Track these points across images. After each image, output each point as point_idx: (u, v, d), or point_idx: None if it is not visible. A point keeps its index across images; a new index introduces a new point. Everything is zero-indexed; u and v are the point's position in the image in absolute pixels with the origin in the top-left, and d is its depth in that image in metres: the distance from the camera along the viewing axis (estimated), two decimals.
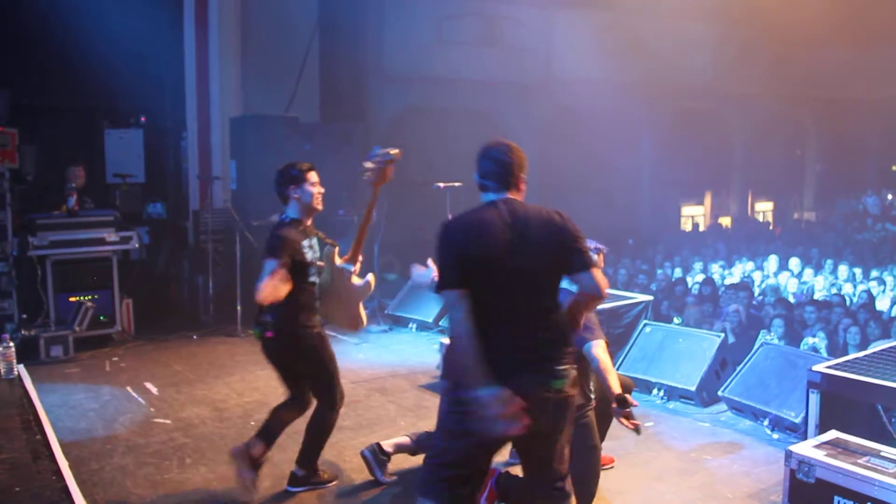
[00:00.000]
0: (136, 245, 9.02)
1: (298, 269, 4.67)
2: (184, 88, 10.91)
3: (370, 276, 5.14)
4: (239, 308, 9.20)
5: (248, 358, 8.17)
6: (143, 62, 10.28)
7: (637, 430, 3.89)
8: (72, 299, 8.42)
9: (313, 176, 4.85)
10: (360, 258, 5.07)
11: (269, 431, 4.87)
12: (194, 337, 9.09)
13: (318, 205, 4.86)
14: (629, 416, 3.93)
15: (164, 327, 9.35)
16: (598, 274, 3.38)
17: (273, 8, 11.62)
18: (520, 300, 3.30)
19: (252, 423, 6.14)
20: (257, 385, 7.21)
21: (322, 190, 4.89)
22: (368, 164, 4.68)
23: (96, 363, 7.94)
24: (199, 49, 10.91)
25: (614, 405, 3.97)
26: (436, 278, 5.14)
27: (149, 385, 7.18)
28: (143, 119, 11.11)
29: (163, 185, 11.29)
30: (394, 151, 4.69)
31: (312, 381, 4.90)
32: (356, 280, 5.03)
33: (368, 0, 12.46)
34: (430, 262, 5.31)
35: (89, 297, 8.45)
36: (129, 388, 7.06)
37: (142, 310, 9.31)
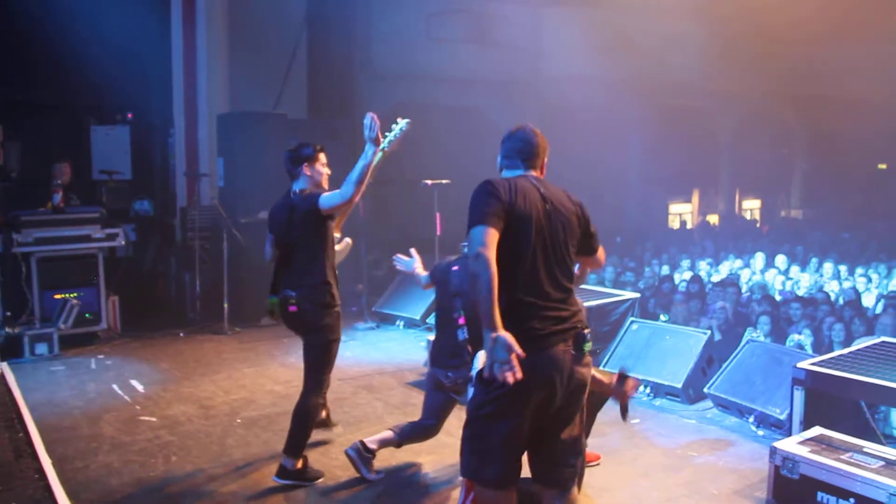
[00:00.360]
0: (123, 242, 8.97)
1: (328, 238, 4.92)
2: (171, 85, 10.86)
3: (347, 239, 5.50)
4: (226, 306, 9.17)
5: (234, 356, 8.15)
6: (131, 58, 10.22)
7: (626, 409, 3.98)
8: (57, 297, 8.35)
9: (323, 157, 5.03)
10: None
11: None
12: (181, 334, 9.05)
13: (326, 184, 5.01)
14: (630, 391, 4.09)
15: (151, 325, 9.31)
16: (601, 252, 3.76)
17: (261, 4, 11.58)
18: (552, 265, 3.41)
19: (238, 421, 6.13)
20: (244, 383, 7.19)
21: (329, 171, 5.08)
22: (392, 138, 5.08)
23: (82, 361, 7.90)
24: (186, 45, 10.86)
25: (614, 381, 4.03)
26: (418, 270, 5.16)
27: (135, 383, 7.15)
28: (129, 115, 11.06)
29: (150, 182, 11.23)
30: (407, 121, 5.16)
31: (312, 359, 4.97)
32: (338, 246, 5.30)
33: None
34: (412, 251, 5.37)
35: (75, 294, 8.40)
36: (114, 386, 7.02)
37: (128, 307, 9.26)
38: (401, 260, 5.53)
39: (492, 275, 3.09)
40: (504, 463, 3.32)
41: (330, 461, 5.34)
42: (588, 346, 3.39)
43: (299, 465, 4.96)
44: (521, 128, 3.68)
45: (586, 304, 7.19)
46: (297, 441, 4.93)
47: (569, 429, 3.43)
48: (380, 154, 4.82)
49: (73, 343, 8.32)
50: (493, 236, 3.20)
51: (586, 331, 3.41)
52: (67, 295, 8.36)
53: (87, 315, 8.51)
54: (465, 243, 3.38)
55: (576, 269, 3.62)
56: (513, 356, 3.01)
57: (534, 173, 3.61)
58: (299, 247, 4.90)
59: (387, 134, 5.02)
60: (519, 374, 3.02)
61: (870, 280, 10.45)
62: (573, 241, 3.53)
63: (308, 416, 4.94)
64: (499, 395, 3.21)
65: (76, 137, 10.66)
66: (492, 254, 3.15)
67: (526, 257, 3.34)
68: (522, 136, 3.65)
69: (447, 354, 4.95)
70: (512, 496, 3.41)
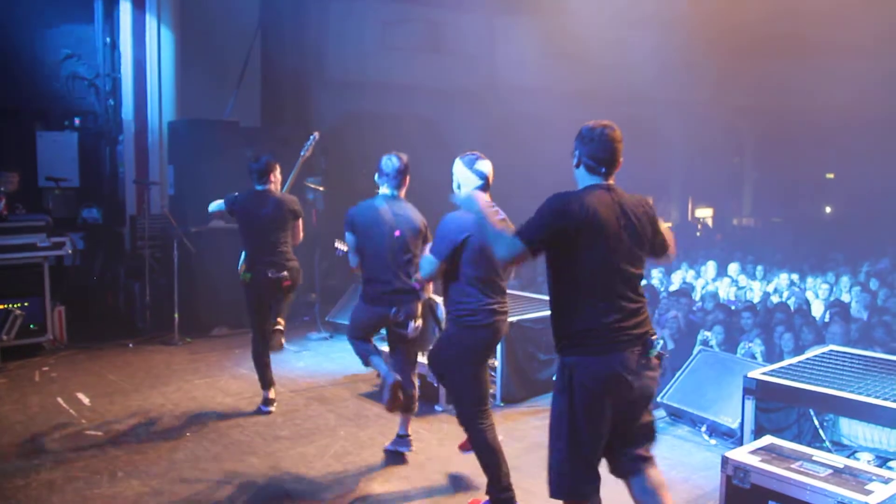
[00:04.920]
0: (70, 251, 8.77)
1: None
2: (121, 91, 10.67)
3: None
4: (176, 316, 9.01)
5: (185, 367, 8.00)
6: (78, 63, 10.02)
7: None
8: None
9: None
10: None
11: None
12: (130, 345, 8.86)
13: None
14: None
15: (99, 335, 9.09)
16: (672, 250, 3.86)
17: (213, 10, 11.41)
18: (622, 282, 3.52)
19: (188, 434, 6.01)
20: (194, 395, 7.06)
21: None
22: (307, 153, 6.91)
23: (25, 373, 7.67)
24: (136, 51, 10.68)
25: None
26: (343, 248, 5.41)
27: (81, 396, 6.97)
28: (77, 122, 10.82)
29: (98, 189, 11.00)
30: (316, 133, 7.04)
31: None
32: None
33: (311, 4, 12.31)
34: (337, 243, 5.78)
35: (18, 304, 8.16)
36: (59, 399, 6.83)
37: (75, 317, 9.05)
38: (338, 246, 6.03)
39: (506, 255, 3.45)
40: (593, 474, 3.61)
41: (280, 474, 5.25)
42: (654, 352, 3.56)
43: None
44: (605, 127, 3.62)
45: (534, 315, 7.20)
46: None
47: (642, 417, 3.67)
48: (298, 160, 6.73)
49: (16, 355, 8.08)
50: (523, 256, 3.43)
51: (654, 337, 3.58)
52: (10, 305, 8.11)
53: (31, 326, 8.28)
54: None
55: None
56: None
57: (611, 181, 3.63)
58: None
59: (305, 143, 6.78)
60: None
61: (818, 290, 10.61)
62: (647, 247, 3.66)
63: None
64: (577, 402, 3.47)
65: (21, 144, 10.36)
66: (519, 260, 3.47)
67: (600, 272, 3.47)
68: (608, 141, 3.60)
69: (390, 293, 5.21)
70: None
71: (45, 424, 6.20)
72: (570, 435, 3.52)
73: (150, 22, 10.71)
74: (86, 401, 6.84)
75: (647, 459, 3.71)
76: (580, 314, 3.49)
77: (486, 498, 4.58)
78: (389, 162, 5.26)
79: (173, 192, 10.06)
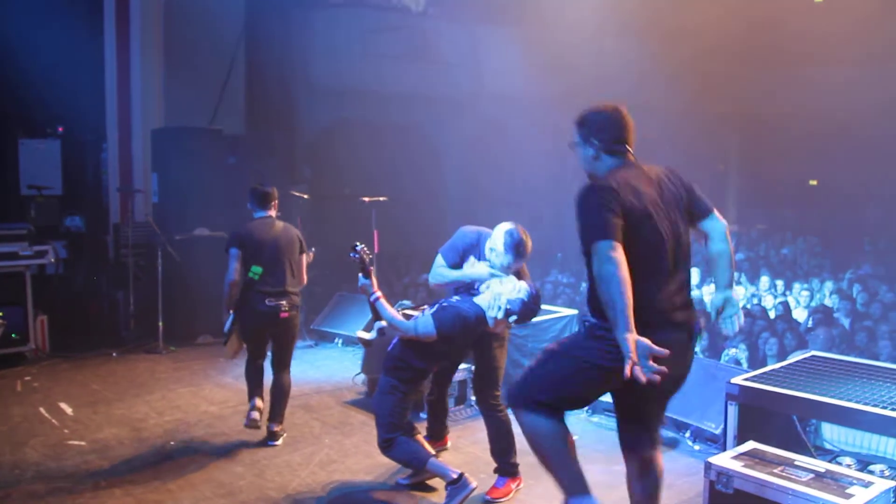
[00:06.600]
0: (53, 259, 8.74)
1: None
2: (104, 98, 10.64)
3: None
4: (161, 324, 8.98)
5: (169, 375, 7.97)
6: (61, 70, 9.96)
7: None
8: None
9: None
10: None
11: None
12: (114, 354, 8.81)
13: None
14: None
15: (82, 345, 9.02)
16: (718, 212, 3.70)
17: (197, 18, 11.39)
18: (669, 257, 3.44)
19: (172, 444, 5.98)
20: (178, 403, 7.02)
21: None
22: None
23: (6, 383, 7.61)
24: (120, 58, 10.67)
25: None
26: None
27: (63, 405, 6.93)
28: (60, 129, 10.78)
29: (82, 197, 10.96)
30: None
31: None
32: None
33: (295, 11, 12.34)
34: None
35: (0, 313, 8.11)
36: (41, 409, 6.79)
37: (58, 327, 8.99)
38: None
39: (623, 277, 3.17)
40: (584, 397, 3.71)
41: (264, 482, 5.23)
42: (697, 342, 3.57)
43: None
44: (614, 108, 3.61)
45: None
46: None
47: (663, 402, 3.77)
48: None
49: None
50: (619, 249, 3.23)
51: (700, 325, 3.56)
52: None
53: (13, 335, 8.23)
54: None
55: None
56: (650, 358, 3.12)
57: (632, 157, 3.59)
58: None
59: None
60: (663, 372, 3.13)
61: (799, 297, 10.67)
62: (685, 217, 3.57)
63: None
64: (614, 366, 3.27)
65: (3, 151, 10.34)
66: (622, 257, 3.21)
67: (649, 253, 3.38)
68: (622, 118, 3.58)
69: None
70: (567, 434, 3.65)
71: (28, 435, 6.15)
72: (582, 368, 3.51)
73: (134, 29, 10.68)
74: (69, 411, 6.80)
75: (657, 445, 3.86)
76: (633, 294, 3.28)
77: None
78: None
79: (157, 200, 10.04)
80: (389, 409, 4.73)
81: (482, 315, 4.64)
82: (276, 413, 6.06)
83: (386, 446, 4.77)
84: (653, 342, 3.16)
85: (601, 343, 3.39)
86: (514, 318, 4.59)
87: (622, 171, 3.48)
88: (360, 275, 4.76)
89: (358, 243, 4.86)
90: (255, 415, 6.29)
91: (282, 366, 6.16)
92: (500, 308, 4.57)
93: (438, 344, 4.63)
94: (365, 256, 4.81)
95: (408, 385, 4.75)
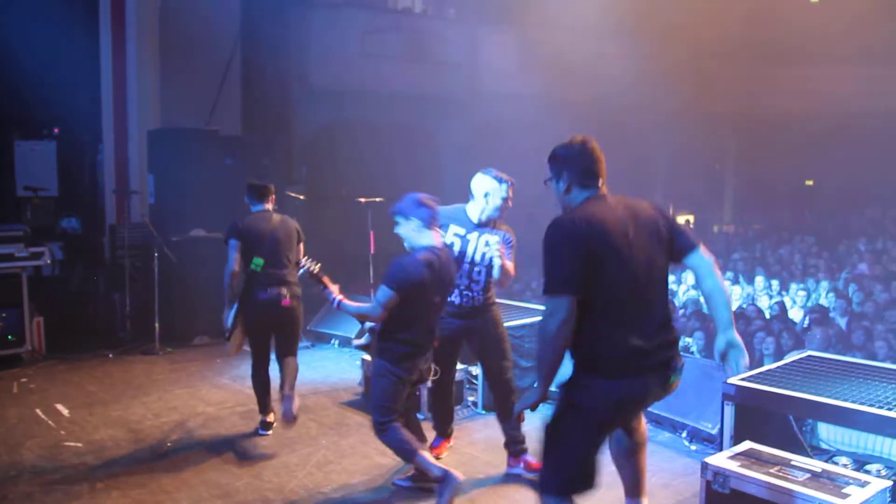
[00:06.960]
0: (49, 261, 8.71)
1: None
2: (100, 99, 10.63)
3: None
4: (157, 325, 8.95)
5: (165, 377, 7.95)
6: (57, 72, 9.97)
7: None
8: None
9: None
10: None
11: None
12: (110, 356, 8.79)
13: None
14: None
15: (78, 346, 8.99)
16: (704, 247, 3.60)
17: (193, 19, 11.41)
18: (641, 295, 3.41)
19: (169, 445, 5.97)
20: (175, 405, 7.01)
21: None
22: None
23: (3, 385, 7.59)
24: (115, 60, 10.66)
25: None
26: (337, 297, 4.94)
27: (60, 407, 6.91)
28: (56, 130, 10.77)
29: (78, 199, 10.95)
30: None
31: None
32: None
33: (292, 12, 12.34)
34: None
35: None
36: (38, 411, 6.78)
37: (54, 328, 8.96)
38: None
39: (562, 343, 3.29)
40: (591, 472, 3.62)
41: (262, 483, 5.23)
42: (675, 379, 3.55)
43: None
44: (582, 142, 3.57)
45: (516, 322, 7.21)
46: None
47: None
48: None
49: None
50: (573, 306, 3.25)
51: (680, 363, 3.57)
52: None
53: (9, 337, 8.21)
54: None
55: None
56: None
57: (604, 190, 3.55)
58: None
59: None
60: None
61: (795, 297, 10.69)
62: (664, 254, 3.52)
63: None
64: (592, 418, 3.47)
65: None
66: (571, 317, 3.25)
67: (618, 292, 3.35)
68: (592, 152, 3.54)
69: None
70: None
71: (24, 436, 6.14)
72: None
73: (130, 30, 10.67)
74: (65, 412, 6.78)
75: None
76: (602, 339, 3.38)
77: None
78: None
79: (153, 201, 10.02)
80: (382, 393, 4.77)
81: (429, 251, 4.71)
82: (288, 386, 6.06)
83: (380, 430, 4.78)
84: (625, 391, 3.38)
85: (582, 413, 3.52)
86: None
87: (592, 204, 3.46)
88: (321, 287, 4.93)
89: (301, 258, 5.13)
90: (271, 418, 6.26)
91: (288, 354, 6.20)
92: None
93: (409, 305, 4.64)
94: (313, 268, 4.98)
95: (398, 366, 4.73)
